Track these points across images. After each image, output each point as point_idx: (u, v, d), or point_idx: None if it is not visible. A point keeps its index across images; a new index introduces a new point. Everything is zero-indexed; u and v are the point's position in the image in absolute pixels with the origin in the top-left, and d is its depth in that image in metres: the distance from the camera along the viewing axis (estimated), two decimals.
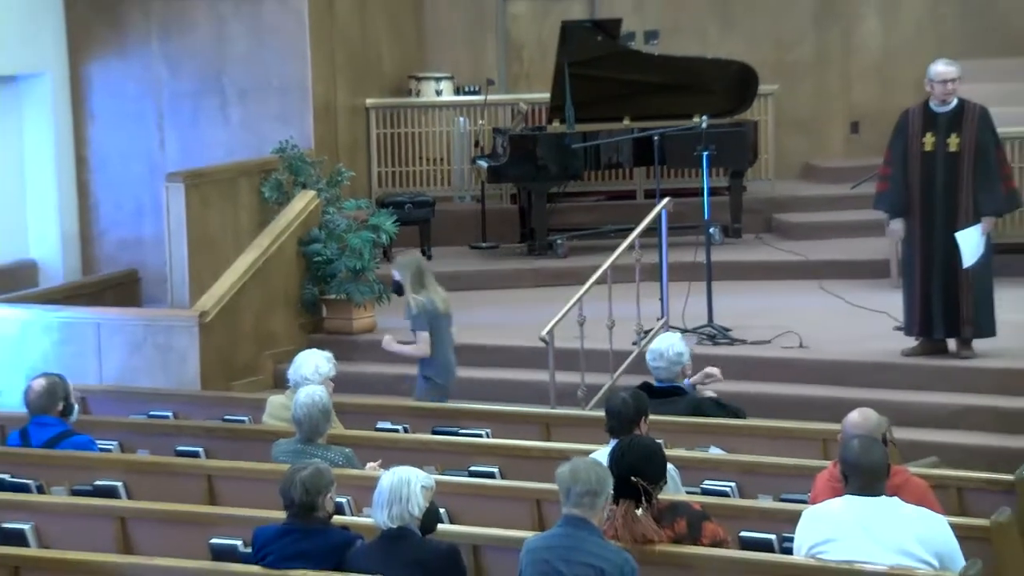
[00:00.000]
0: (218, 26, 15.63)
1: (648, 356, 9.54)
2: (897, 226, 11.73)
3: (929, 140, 11.42)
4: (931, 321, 11.62)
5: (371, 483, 7.38)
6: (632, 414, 7.94)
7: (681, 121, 15.06)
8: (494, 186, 16.23)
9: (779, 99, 16.84)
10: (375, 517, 7.14)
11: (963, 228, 11.34)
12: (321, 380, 9.39)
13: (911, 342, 11.82)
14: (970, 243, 11.33)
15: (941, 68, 11.38)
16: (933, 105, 11.43)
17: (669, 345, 9.46)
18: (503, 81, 17.52)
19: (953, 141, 11.36)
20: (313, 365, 9.56)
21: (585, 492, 6.78)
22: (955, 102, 11.39)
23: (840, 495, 7.02)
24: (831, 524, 6.88)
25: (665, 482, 7.23)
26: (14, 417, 10.21)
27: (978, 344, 11.65)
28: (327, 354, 9.77)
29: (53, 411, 9.27)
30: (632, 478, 7.01)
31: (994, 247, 11.65)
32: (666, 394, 9.38)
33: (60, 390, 9.27)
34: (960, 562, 6.75)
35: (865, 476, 6.85)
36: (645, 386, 9.40)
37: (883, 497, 6.87)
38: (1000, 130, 11.64)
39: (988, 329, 11.57)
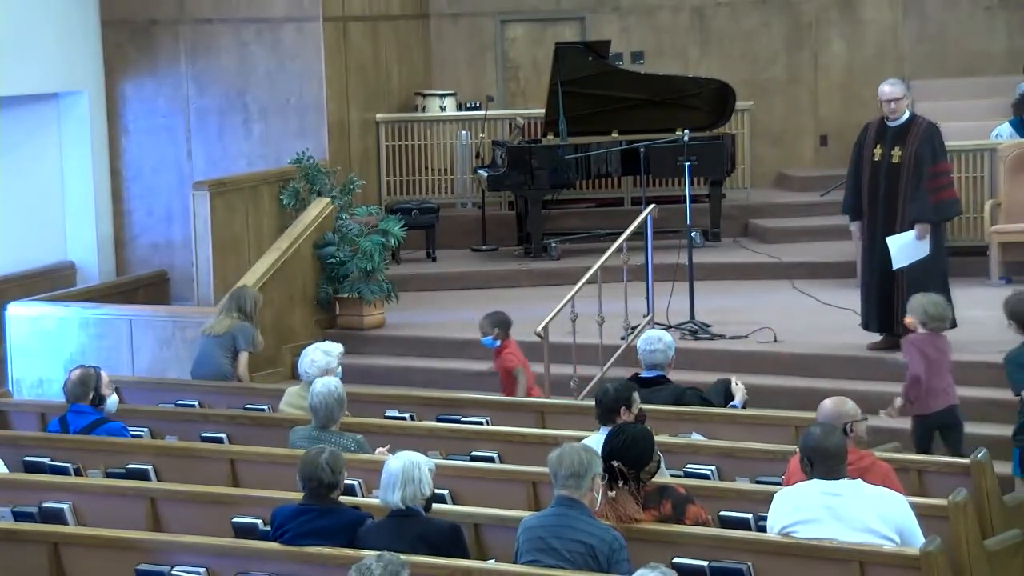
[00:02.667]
0: (241, 50, 15.64)
1: (643, 343, 9.50)
2: (854, 228, 11.70)
3: (878, 151, 11.36)
4: (869, 315, 11.60)
5: (380, 467, 7.34)
6: (612, 403, 7.89)
7: (665, 134, 15.04)
8: (493, 194, 16.18)
9: (754, 114, 16.81)
10: (384, 498, 7.08)
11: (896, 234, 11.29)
12: (319, 372, 9.34)
13: (875, 337, 11.77)
14: (899, 247, 11.23)
15: (885, 88, 11.33)
16: (887, 119, 11.38)
17: (648, 336, 9.49)
18: (501, 98, 17.48)
19: (896, 153, 11.28)
20: (310, 360, 9.57)
21: (569, 474, 6.76)
22: (906, 117, 11.32)
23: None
24: (800, 506, 6.84)
25: (656, 467, 7.17)
26: (54, 406, 10.19)
27: None
28: (325, 347, 9.74)
29: (85, 399, 9.26)
30: (613, 462, 6.98)
31: (947, 250, 11.56)
32: (653, 383, 9.35)
33: (92, 380, 9.25)
34: (919, 538, 6.71)
35: (827, 461, 6.82)
36: (634, 377, 9.38)
37: (847, 480, 6.83)
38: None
39: None
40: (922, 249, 11.22)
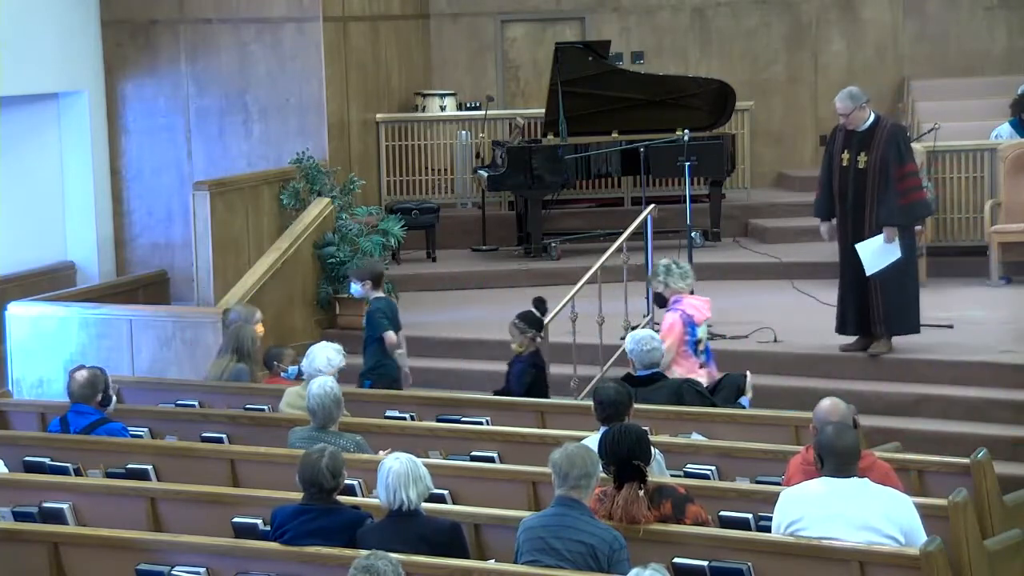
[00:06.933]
0: (241, 50, 15.63)
1: (636, 343, 9.52)
2: (824, 228, 11.65)
3: (845, 157, 11.31)
4: (844, 319, 11.57)
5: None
6: (627, 400, 7.90)
7: (665, 134, 15.05)
8: (493, 194, 16.18)
9: (754, 114, 16.82)
10: (389, 500, 7.04)
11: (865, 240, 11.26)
12: (333, 370, 9.35)
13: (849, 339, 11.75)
14: (869, 252, 11.19)
15: (836, 104, 11.27)
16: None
17: (642, 336, 9.48)
18: (501, 98, 17.48)
19: (862, 159, 11.23)
20: (325, 358, 9.52)
21: (582, 475, 6.76)
22: (870, 122, 11.25)
23: (811, 477, 6.99)
24: (807, 503, 6.84)
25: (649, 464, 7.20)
26: (54, 406, 10.18)
27: (933, 338, 11.58)
28: (337, 346, 9.73)
29: (92, 401, 9.24)
30: (634, 461, 6.97)
31: (924, 250, 11.49)
32: (647, 382, 9.35)
33: (100, 382, 9.23)
34: (922, 537, 6.71)
35: (838, 459, 6.84)
36: (627, 376, 9.37)
37: (855, 478, 6.84)
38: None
39: (904, 327, 11.41)
40: (893, 252, 11.14)
